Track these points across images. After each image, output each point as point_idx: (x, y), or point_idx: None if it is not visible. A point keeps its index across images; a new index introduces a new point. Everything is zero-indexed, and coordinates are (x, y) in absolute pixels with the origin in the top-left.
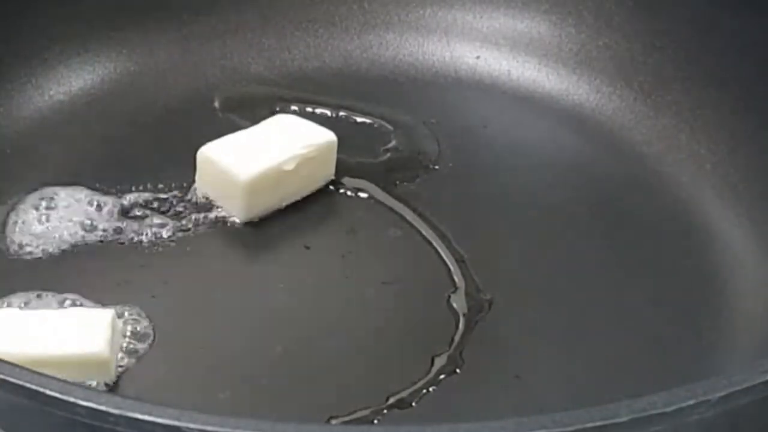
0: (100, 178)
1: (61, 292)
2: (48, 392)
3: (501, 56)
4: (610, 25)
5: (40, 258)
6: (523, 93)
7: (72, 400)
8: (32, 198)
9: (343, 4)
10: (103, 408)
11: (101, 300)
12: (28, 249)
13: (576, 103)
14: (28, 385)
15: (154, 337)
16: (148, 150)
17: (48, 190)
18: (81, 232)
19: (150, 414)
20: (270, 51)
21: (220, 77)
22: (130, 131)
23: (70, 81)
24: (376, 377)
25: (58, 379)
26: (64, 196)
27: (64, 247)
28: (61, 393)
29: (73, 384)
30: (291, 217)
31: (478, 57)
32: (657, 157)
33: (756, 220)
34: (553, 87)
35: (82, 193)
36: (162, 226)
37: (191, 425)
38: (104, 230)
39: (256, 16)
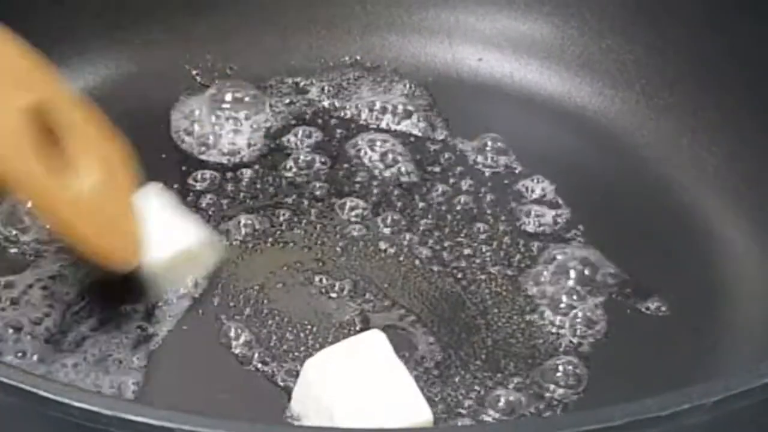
0: None
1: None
2: (41, 393)
3: (503, 58)
4: (612, 28)
5: (40, 257)
6: (526, 95)
7: (65, 401)
8: None
9: (344, 5)
10: (95, 409)
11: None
12: (30, 247)
13: (578, 106)
14: (21, 385)
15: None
16: (149, 151)
17: None
18: None
19: (142, 415)
20: (271, 52)
21: (220, 78)
22: (131, 132)
23: (71, 82)
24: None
25: (52, 380)
26: None
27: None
28: (54, 394)
29: (66, 385)
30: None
31: (480, 59)
32: (659, 160)
33: (758, 223)
34: (556, 89)
35: None
36: None
37: (183, 426)
38: None
39: (257, 18)
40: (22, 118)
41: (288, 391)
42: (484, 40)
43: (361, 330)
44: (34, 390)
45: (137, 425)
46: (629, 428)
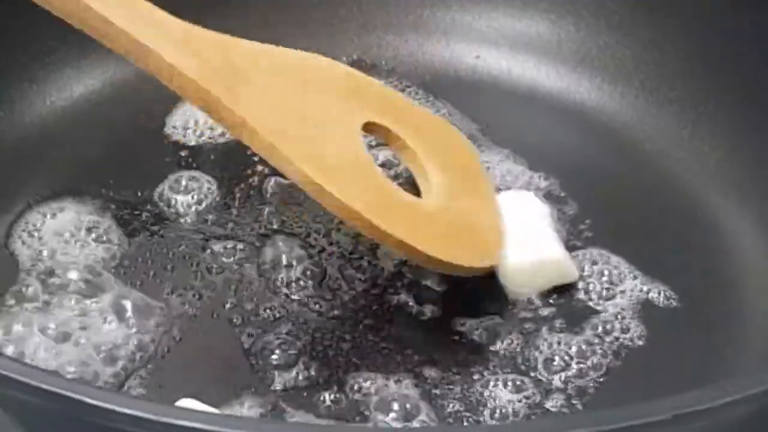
0: (104, 183)
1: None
2: (85, 399)
3: (500, 56)
4: (609, 23)
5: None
6: (524, 92)
7: (110, 407)
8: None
9: (341, 5)
10: (140, 414)
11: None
12: (38, 254)
13: (577, 102)
14: (64, 392)
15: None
16: (151, 154)
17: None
18: (86, 239)
19: (188, 419)
20: None
21: None
22: (132, 136)
23: (71, 86)
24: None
25: (96, 387)
26: (70, 202)
27: (72, 251)
28: (99, 400)
29: (110, 392)
30: None
31: (477, 57)
32: (660, 155)
33: (762, 216)
34: (554, 86)
35: (87, 201)
36: (168, 230)
37: (230, 431)
38: (109, 235)
39: (255, 19)
40: (362, 140)
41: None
42: (481, 37)
43: None
44: (78, 396)
45: (183, 430)
46: (677, 421)
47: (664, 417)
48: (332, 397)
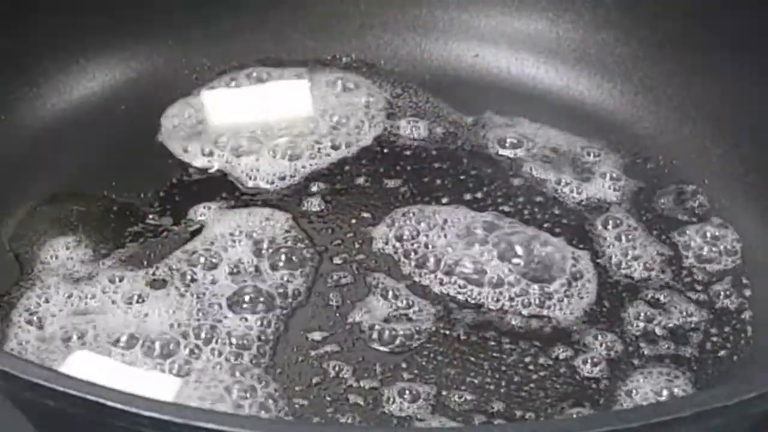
0: (105, 185)
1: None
2: (110, 404)
3: (499, 54)
4: (608, 21)
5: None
6: (523, 90)
7: (135, 410)
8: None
9: (340, 5)
10: (166, 417)
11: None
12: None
13: (577, 99)
14: (89, 397)
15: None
16: (151, 156)
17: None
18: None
19: (213, 422)
20: (268, 54)
21: (219, 81)
22: (132, 137)
23: (71, 89)
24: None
25: (120, 391)
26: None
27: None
28: (123, 404)
29: (134, 395)
30: None
31: (476, 55)
32: (662, 152)
33: (765, 209)
34: (553, 83)
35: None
36: (169, 230)
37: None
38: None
39: (253, 20)
40: None
41: None
42: (480, 36)
43: None
44: (102, 401)
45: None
46: (698, 418)
47: (685, 414)
48: None
